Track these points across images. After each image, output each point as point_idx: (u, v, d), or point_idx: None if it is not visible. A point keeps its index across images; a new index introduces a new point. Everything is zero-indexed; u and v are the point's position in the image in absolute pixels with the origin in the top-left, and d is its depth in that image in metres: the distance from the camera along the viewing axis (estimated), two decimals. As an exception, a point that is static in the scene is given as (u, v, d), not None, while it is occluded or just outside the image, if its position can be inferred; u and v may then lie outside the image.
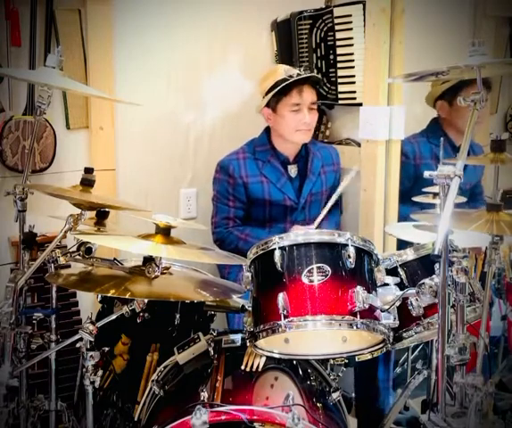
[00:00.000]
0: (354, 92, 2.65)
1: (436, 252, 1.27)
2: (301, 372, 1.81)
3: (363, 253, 1.61)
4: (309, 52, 2.80)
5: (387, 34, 2.45)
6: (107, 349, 1.64)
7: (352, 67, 2.64)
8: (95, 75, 2.52)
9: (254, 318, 1.59)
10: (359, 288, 1.51)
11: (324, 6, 2.74)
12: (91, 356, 1.50)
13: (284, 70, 2.41)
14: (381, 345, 1.61)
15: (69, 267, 1.72)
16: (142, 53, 2.65)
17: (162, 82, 2.74)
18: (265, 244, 1.61)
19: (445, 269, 1.39)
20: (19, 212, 1.80)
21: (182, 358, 1.76)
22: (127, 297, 1.48)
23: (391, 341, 1.60)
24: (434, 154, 2.74)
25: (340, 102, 2.74)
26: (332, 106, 2.84)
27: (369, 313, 1.52)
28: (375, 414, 2.22)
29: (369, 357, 1.64)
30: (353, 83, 2.65)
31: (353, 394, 2.31)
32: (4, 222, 2.34)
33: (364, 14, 2.52)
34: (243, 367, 1.72)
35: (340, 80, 2.71)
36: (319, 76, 2.58)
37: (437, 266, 1.45)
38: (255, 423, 1.46)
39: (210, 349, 1.77)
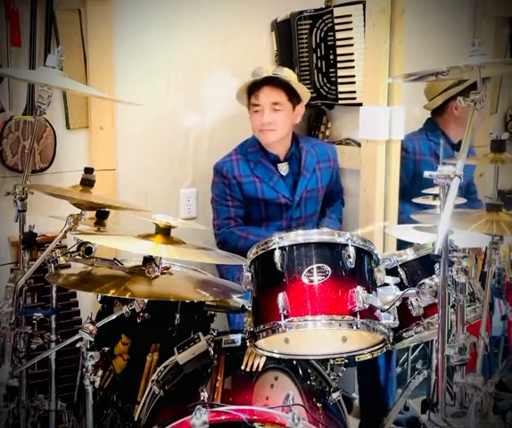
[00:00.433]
0: (354, 92, 2.65)
1: (436, 252, 1.27)
2: (301, 372, 1.81)
3: (363, 253, 1.61)
4: (309, 52, 2.80)
5: (387, 34, 2.45)
6: (107, 349, 1.63)
7: (352, 67, 2.64)
8: (95, 75, 2.52)
9: (254, 318, 1.59)
10: (359, 288, 1.51)
11: (324, 6, 2.74)
12: (91, 356, 1.50)
13: (253, 72, 2.42)
14: (381, 345, 1.61)
15: (69, 267, 1.72)
16: (142, 53, 2.65)
17: (162, 82, 2.74)
18: (265, 244, 1.61)
19: (445, 269, 1.39)
20: (19, 212, 1.80)
21: (182, 358, 1.76)
22: (127, 297, 1.48)
23: (391, 341, 1.60)
24: (434, 151, 2.76)
25: (340, 102, 2.74)
26: (332, 106, 2.85)
27: (369, 313, 1.52)
28: (380, 414, 2.21)
29: (369, 357, 1.64)
30: (353, 83, 2.65)
31: (353, 394, 2.31)
32: (4, 222, 2.34)
33: (364, 14, 2.52)
34: (243, 367, 1.72)
35: (340, 80, 2.71)
36: (285, 75, 2.40)
37: (437, 266, 1.45)
38: (255, 423, 1.46)
39: (210, 349, 1.77)
